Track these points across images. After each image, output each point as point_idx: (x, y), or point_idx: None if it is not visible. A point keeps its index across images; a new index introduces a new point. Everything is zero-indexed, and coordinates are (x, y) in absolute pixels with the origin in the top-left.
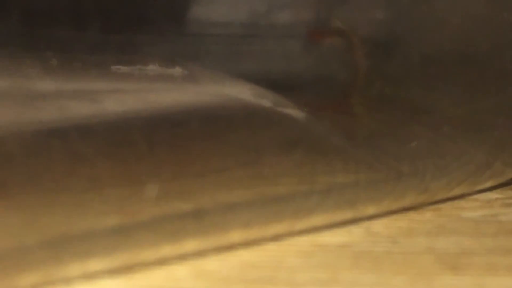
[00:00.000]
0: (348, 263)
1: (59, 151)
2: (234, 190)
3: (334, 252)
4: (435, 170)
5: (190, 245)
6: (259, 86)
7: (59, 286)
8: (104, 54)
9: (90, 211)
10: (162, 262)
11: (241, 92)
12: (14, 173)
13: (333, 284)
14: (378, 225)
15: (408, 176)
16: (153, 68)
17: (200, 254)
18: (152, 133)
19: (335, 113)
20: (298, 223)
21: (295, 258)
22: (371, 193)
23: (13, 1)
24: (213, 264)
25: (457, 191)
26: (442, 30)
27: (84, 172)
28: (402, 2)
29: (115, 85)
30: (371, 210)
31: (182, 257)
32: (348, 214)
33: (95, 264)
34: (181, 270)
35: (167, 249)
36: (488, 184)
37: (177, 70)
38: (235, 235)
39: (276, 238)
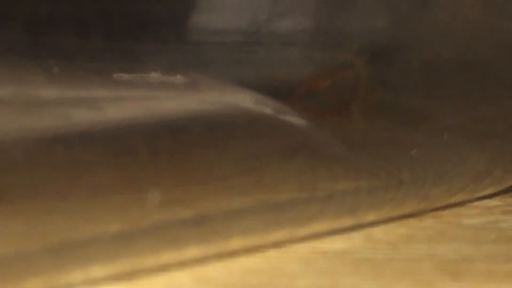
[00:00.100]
0: (348, 270)
1: (61, 158)
2: (235, 197)
3: (334, 259)
4: (435, 178)
5: (192, 251)
6: (260, 93)
7: None
8: (106, 62)
9: (92, 218)
10: (164, 268)
11: (242, 100)
12: (16, 179)
13: None
14: (378, 232)
15: (408, 183)
16: (154, 76)
17: (201, 260)
18: (154, 141)
19: (335, 120)
20: (299, 229)
21: (296, 264)
22: (371, 200)
23: (16, 9)
24: (214, 270)
25: (457, 198)
26: (442, 38)
27: (86, 179)
28: (401, 11)
29: (117, 93)
30: (371, 217)
31: (184, 264)
32: (348, 221)
33: (97, 270)
34: (182, 277)
35: (168, 256)
36: (488, 191)
37: (179, 78)
38: (236, 242)
39: (277, 244)
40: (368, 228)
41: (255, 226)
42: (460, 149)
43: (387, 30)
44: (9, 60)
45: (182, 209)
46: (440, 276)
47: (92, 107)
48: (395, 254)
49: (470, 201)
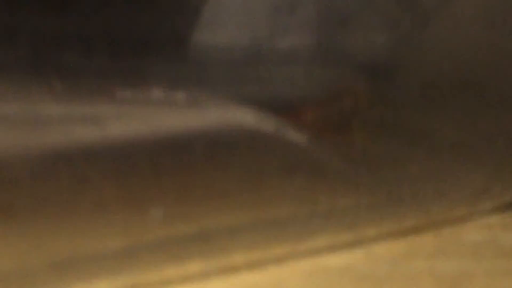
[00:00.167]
0: (349, 285)
1: (65, 174)
2: (236, 213)
3: (335, 274)
4: (435, 194)
5: (194, 266)
6: (261, 110)
7: None
8: (109, 79)
9: (95, 234)
10: (166, 283)
11: (244, 117)
12: (20, 196)
13: None
14: (378, 248)
15: (408, 199)
16: (157, 93)
17: (203, 275)
18: (156, 157)
19: (336, 137)
20: (299, 245)
21: (297, 280)
22: (371, 216)
23: (20, 26)
24: (216, 285)
25: (456, 214)
26: (442, 56)
27: (89, 195)
28: (402, 30)
29: (120, 110)
30: (372, 232)
31: (186, 279)
32: (349, 237)
33: (100, 285)
34: None
35: (171, 271)
36: (488, 207)
37: (181, 95)
38: (238, 257)
39: (278, 260)
40: (368, 243)
41: (257, 242)
42: (460, 165)
43: (387, 49)
44: (13, 78)
45: (184, 225)
46: None
47: (95, 124)
48: (395, 270)
49: (470, 217)
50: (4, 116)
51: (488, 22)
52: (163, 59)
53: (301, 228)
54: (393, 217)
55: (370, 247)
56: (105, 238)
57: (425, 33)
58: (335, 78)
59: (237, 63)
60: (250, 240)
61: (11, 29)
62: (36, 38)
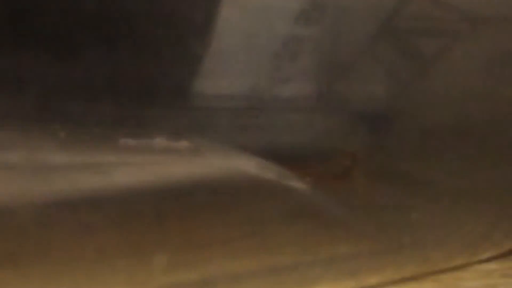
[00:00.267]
0: None
1: (69, 222)
2: (239, 259)
3: None
4: (435, 241)
5: None
6: (263, 158)
7: None
8: (112, 127)
9: (99, 281)
10: None
11: (246, 165)
12: (24, 243)
13: None
14: None
15: (408, 247)
16: (160, 141)
17: None
18: (160, 205)
19: (337, 185)
20: None
21: None
22: (372, 263)
23: (26, 75)
24: None
25: (457, 262)
26: (442, 105)
27: (93, 243)
28: (401, 78)
29: (123, 158)
30: (373, 279)
31: None
32: (350, 284)
33: None
34: None
35: None
36: (488, 254)
37: (184, 144)
38: None
39: None
40: None
41: None
42: (460, 213)
43: (387, 97)
44: (18, 125)
45: (188, 272)
46: None
47: (99, 172)
48: None
49: (470, 264)
50: (9, 164)
51: (487, 70)
52: (166, 107)
53: (303, 275)
54: (393, 264)
55: None
56: (109, 286)
57: (424, 82)
58: (336, 126)
59: (239, 111)
60: (252, 286)
61: (17, 78)
62: (41, 87)
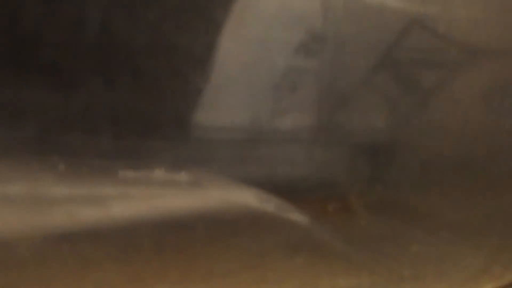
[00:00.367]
0: None
1: (68, 254)
2: None
3: None
4: (435, 273)
5: None
6: (263, 191)
7: None
8: (112, 159)
9: None
10: None
11: (246, 197)
12: (24, 276)
13: None
14: None
15: (408, 279)
16: (159, 173)
17: None
18: (159, 237)
19: (336, 217)
20: None
21: None
22: None
23: (25, 107)
24: None
25: None
26: (441, 137)
27: (93, 275)
28: (401, 110)
29: (123, 190)
30: None
31: None
32: None
33: None
34: None
35: None
36: (488, 287)
37: (183, 175)
38: None
39: None
40: None
41: None
42: (460, 245)
43: (387, 129)
44: (17, 158)
45: None
46: None
47: (98, 204)
48: None
49: None
50: (9, 196)
51: (486, 102)
52: (166, 139)
53: None
54: None
55: None
56: None
57: (424, 113)
58: (336, 158)
59: (239, 143)
60: None
61: (16, 110)
62: (41, 119)
